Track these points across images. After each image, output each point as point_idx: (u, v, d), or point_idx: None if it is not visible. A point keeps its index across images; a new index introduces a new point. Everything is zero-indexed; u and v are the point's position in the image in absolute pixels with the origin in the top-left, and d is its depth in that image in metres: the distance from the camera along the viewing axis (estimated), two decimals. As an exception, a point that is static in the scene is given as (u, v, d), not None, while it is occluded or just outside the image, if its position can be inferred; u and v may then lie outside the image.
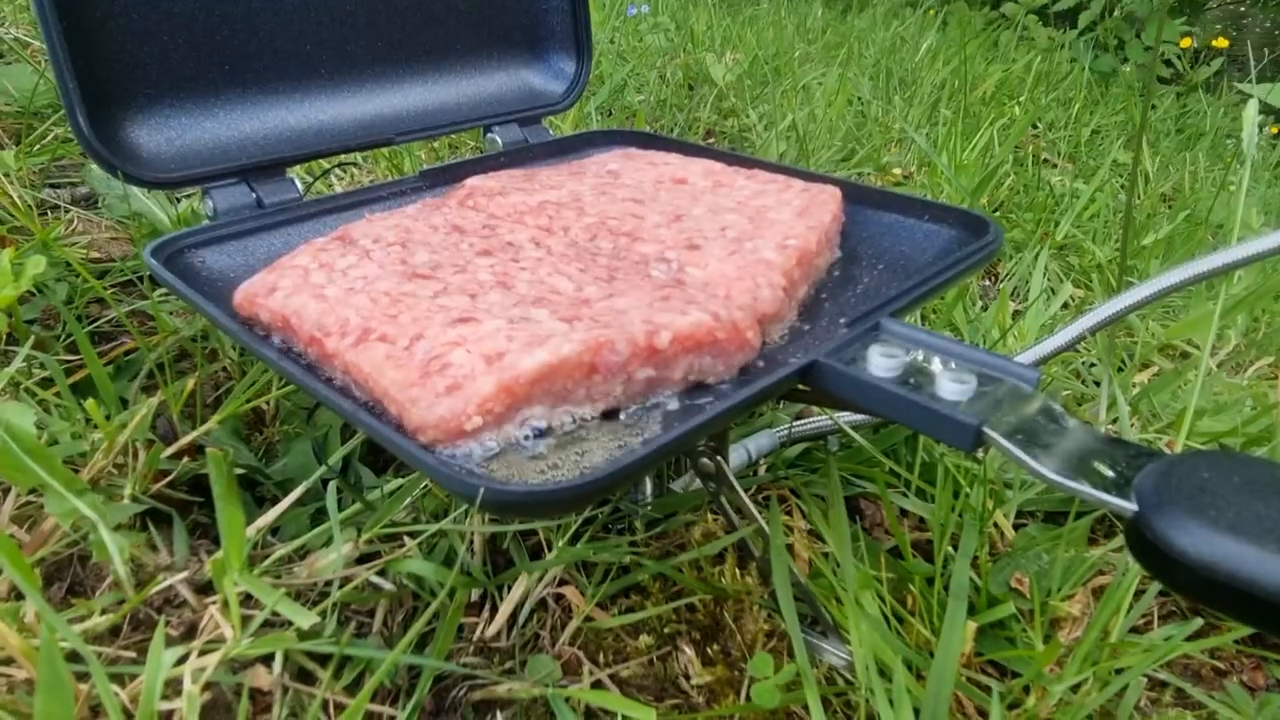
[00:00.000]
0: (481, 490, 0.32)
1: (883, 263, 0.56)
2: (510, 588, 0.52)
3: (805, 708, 0.49)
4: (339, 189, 1.01)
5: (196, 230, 0.54)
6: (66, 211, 0.83)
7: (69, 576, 0.51)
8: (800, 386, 0.42)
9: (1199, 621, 0.54)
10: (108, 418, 0.54)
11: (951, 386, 0.38)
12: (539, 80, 0.80)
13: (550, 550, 0.55)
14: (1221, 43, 3.15)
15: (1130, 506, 0.32)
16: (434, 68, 0.74)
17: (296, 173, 0.96)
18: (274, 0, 0.62)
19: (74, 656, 0.42)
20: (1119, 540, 0.61)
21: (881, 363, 0.40)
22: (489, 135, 0.74)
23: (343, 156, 1.00)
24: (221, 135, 0.61)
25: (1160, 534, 0.31)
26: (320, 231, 0.58)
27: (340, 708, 0.45)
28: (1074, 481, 0.33)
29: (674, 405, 0.43)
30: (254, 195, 0.59)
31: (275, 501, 0.54)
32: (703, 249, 0.51)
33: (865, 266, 0.56)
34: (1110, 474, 0.34)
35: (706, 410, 0.37)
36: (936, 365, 0.41)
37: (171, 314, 0.68)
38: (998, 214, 1.28)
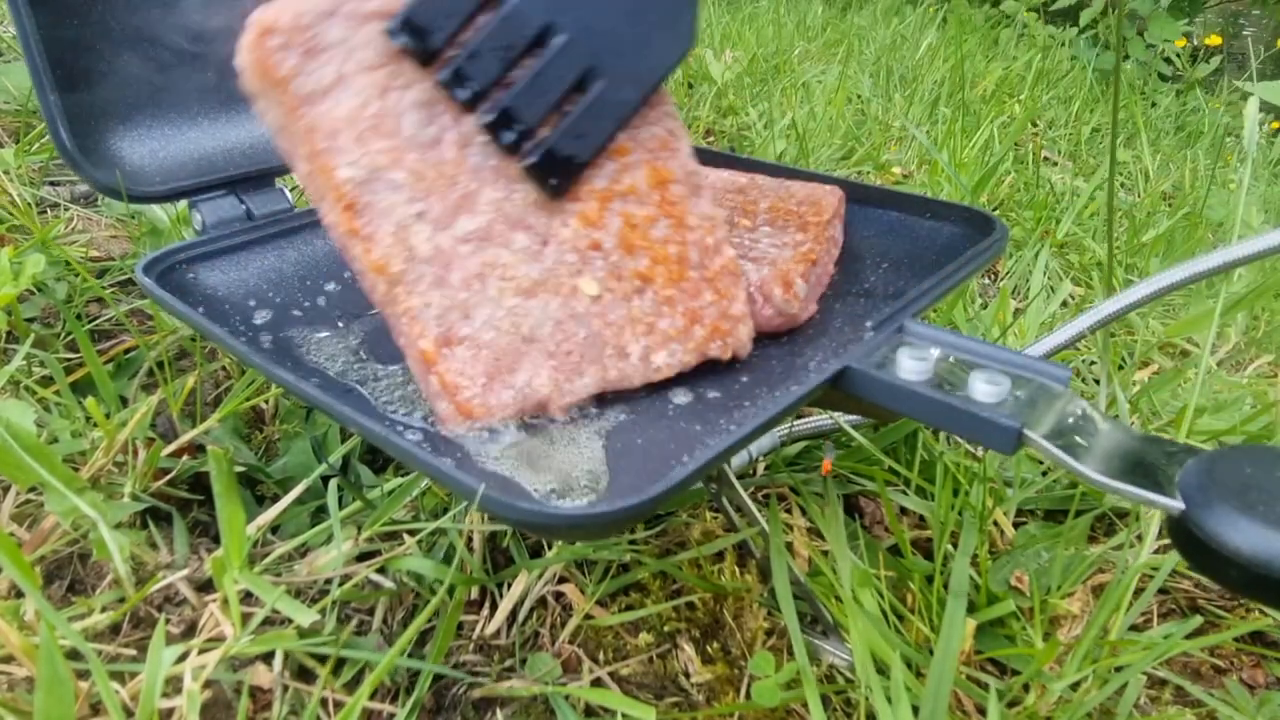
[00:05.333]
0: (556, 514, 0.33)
1: (887, 261, 0.56)
2: (510, 585, 0.52)
3: (805, 705, 0.49)
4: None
5: (188, 245, 0.53)
6: (66, 209, 0.83)
7: (69, 574, 0.51)
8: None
9: (1198, 619, 0.54)
10: (108, 416, 0.54)
11: (985, 388, 0.38)
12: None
13: (550, 548, 0.55)
14: (1215, 40, 3.14)
15: (1177, 505, 0.32)
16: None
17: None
18: (255, 2, 0.61)
19: (74, 654, 0.42)
20: (1119, 538, 0.61)
21: (911, 365, 0.40)
22: None
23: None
24: (206, 145, 0.60)
25: (1211, 532, 0.31)
26: (315, 243, 0.57)
27: (340, 705, 0.45)
28: (1118, 481, 0.33)
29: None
30: (243, 207, 0.57)
31: (275, 500, 0.54)
32: None
33: (870, 265, 0.56)
34: (1151, 472, 0.34)
35: (745, 424, 0.37)
36: (964, 365, 0.40)
37: (170, 313, 0.68)
38: (998, 211, 1.28)
